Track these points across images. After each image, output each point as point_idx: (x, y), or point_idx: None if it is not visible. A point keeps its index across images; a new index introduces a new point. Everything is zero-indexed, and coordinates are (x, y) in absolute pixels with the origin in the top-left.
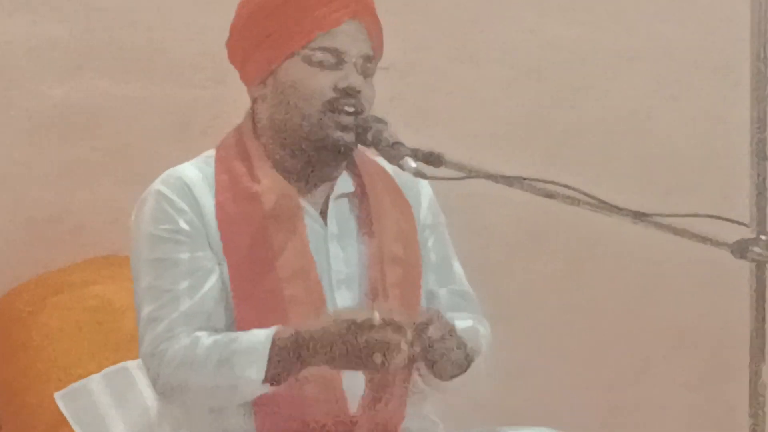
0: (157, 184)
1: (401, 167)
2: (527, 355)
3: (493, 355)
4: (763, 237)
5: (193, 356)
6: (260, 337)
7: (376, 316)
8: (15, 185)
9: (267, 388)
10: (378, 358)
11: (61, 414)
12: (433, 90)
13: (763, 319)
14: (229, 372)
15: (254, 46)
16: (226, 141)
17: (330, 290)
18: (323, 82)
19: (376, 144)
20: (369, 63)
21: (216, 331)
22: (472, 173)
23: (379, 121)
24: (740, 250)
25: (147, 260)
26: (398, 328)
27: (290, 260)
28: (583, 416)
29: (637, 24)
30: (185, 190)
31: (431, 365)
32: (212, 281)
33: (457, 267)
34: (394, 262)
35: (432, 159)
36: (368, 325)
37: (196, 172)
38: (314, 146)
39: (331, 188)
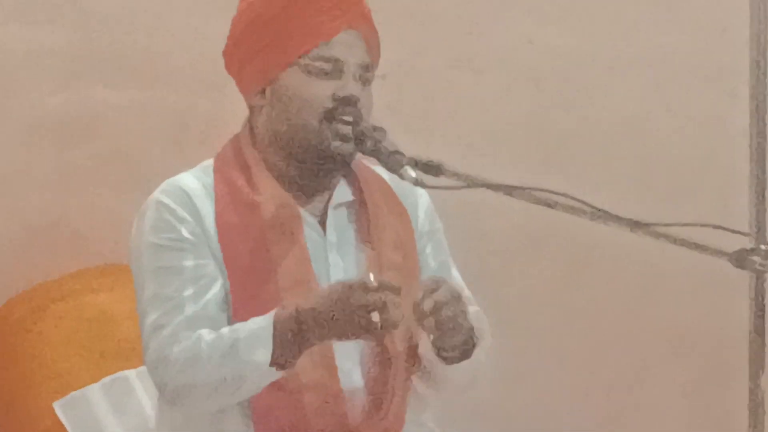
0: (157, 194)
1: (401, 176)
2: (526, 360)
3: (493, 358)
4: (762, 247)
5: (198, 352)
6: (261, 321)
7: (371, 278)
8: (12, 192)
9: (274, 374)
10: (375, 316)
11: (60, 423)
12: (430, 97)
13: (762, 328)
14: (235, 360)
15: (252, 55)
16: (224, 150)
17: None
18: (322, 92)
19: (375, 153)
20: (367, 71)
21: None
22: (471, 182)
23: (378, 129)
24: (740, 259)
25: (150, 269)
26: (394, 288)
27: (290, 269)
28: (581, 421)
29: (634, 31)
30: (186, 199)
31: (437, 337)
32: (216, 288)
33: (455, 273)
34: (393, 270)
35: (431, 168)
36: (363, 287)
37: (196, 182)
38: (313, 156)
39: (330, 197)
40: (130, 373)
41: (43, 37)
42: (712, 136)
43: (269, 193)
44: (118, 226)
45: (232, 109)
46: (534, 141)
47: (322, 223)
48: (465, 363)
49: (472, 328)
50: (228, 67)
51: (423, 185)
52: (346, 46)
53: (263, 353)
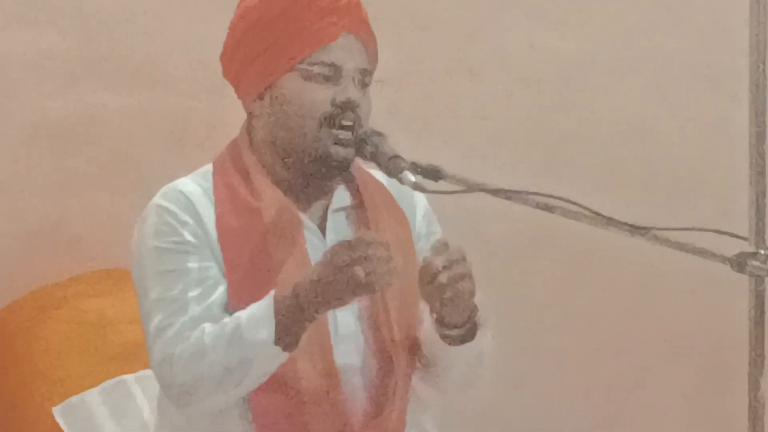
0: (158, 199)
1: (400, 181)
2: (526, 361)
3: (493, 359)
4: (762, 251)
5: (202, 345)
6: (261, 303)
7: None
8: (12, 195)
9: (279, 354)
10: (359, 270)
11: (59, 428)
12: (430, 102)
13: (762, 330)
14: (240, 344)
15: (250, 61)
16: (223, 155)
17: None
18: (321, 96)
19: (374, 157)
20: (365, 76)
21: None
22: (471, 187)
23: (378, 134)
24: (739, 264)
25: (154, 273)
26: (379, 242)
27: (291, 274)
28: (581, 422)
29: (634, 36)
30: (187, 203)
31: (447, 301)
32: (220, 291)
33: None
34: None
35: (431, 172)
36: (347, 245)
37: (196, 187)
38: (312, 160)
39: (329, 201)
40: (129, 378)
41: (43, 41)
42: (712, 140)
43: (269, 198)
44: (118, 230)
45: (232, 113)
46: (534, 144)
47: (322, 228)
48: (468, 347)
49: (476, 307)
50: (225, 72)
51: (422, 189)
52: (344, 51)
53: (267, 331)
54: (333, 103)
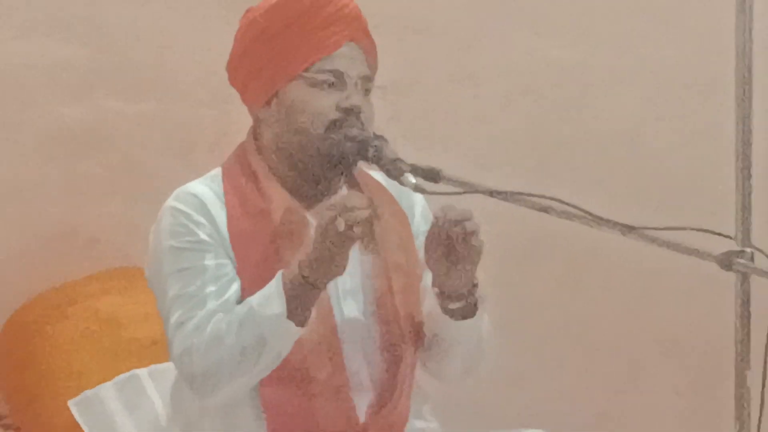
0: (172, 202)
1: (401, 183)
2: (524, 360)
3: (492, 356)
4: (747, 250)
5: (218, 332)
6: (270, 283)
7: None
8: (30, 201)
9: (293, 330)
10: (339, 221)
11: (75, 420)
12: (432, 109)
13: (748, 327)
14: (254, 321)
15: (257, 70)
16: (231, 159)
17: (337, 301)
18: (327, 103)
19: (377, 160)
20: (367, 82)
21: None
22: (469, 189)
23: (380, 138)
24: (726, 262)
25: (172, 272)
26: (358, 196)
27: None
28: (577, 420)
29: (628, 46)
30: (200, 204)
31: (458, 260)
32: (235, 288)
33: None
34: (398, 270)
35: (431, 174)
36: (330, 205)
37: (207, 189)
38: (318, 163)
39: None
40: (142, 372)
41: (58, 53)
42: (701, 145)
43: (277, 200)
44: (130, 232)
45: (239, 120)
46: (532, 151)
47: None
48: (469, 323)
49: (476, 284)
50: (232, 80)
51: (423, 191)
52: (347, 59)
53: (278, 305)
54: (338, 109)
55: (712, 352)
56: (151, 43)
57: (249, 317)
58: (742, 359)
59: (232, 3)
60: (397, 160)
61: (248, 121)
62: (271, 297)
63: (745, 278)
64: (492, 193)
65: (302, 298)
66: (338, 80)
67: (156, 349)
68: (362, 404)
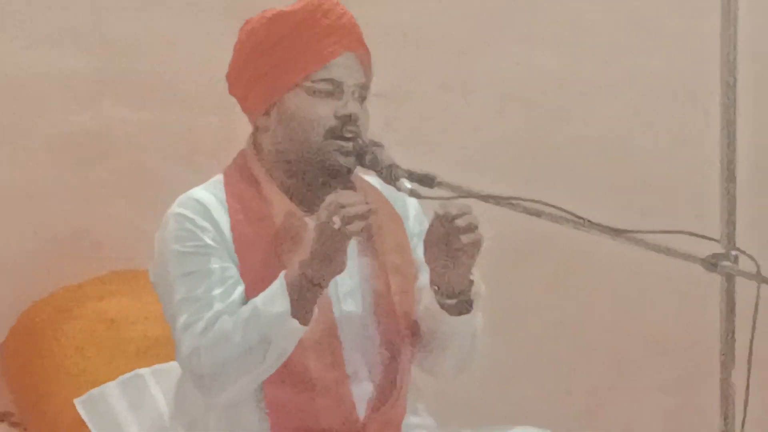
0: (176, 208)
1: (397, 188)
2: (514, 360)
3: (485, 346)
4: (732, 252)
5: (224, 331)
6: (274, 283)
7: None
8: (39, 205)
9: (296, 328)
10: (336, 219)
11: (81, 418)
12: (426, 116)
13: (733, 327)
14: (258, 320)
15: (257, 79)
16: (232, 166)
17: (337, 302)
18: (325, 111)
19: (373, 166)
20: (363, 90)
21: None
22: (463, 193)
23: (377, 144)
24: (711, 264)
25: (178, 276)
26: (352, 194)
27: None
28: (566, 416)
29: (615, 56)
30: (203, 210)
31: (458, 253)
32: (239, 290)
33: None
34: (396, 271)
35: (426, 180)
36: (326, 204)
37: (210, 195)
38: (317, 170)
39: None
40: (145, 371)
41: (67, 63)
42: (686, 153)
43: (278, 205)
44: (135, 236)
45: (241, 127)
46: (522, 157)
47: None
48: (465, 319)
49: (473, 281)
50: (232, 89)
51: (418, 196)
52: (344, 68)
53: (282, 303)
54: (336, 117)
55: (698, 351)
56: (156, 54)
57: (254, 317)
58: (727, 357)
59: (233, 14)
60: (393, 165)
61: (249, 128)
62: (275, 296)
63: (729, 279)
64: (485, 198)
65: (305, 297)
66: (336, 89)
67: (159, 349)
68: (362, 401)
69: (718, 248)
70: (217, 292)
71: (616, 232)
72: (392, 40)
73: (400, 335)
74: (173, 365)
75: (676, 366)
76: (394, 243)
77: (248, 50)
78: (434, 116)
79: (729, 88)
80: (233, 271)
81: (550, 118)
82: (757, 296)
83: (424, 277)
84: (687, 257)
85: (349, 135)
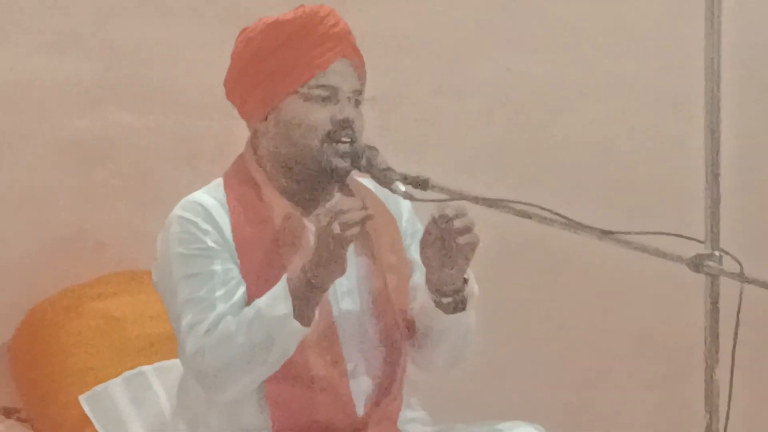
0: (178, 211)
1: (392, 190)
2: (504, 357)
3: (475, 350)
4: (716, 252)
5: (227, 332)
6: (277, 285)
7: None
8: (44, 207)
9: (299, 329)
10: (335, 226)
11: (85, 414)
12: (419, 120)
13: (717, 325)
14: (262, 322)
15: (254, 86)
16: (232, 170)
17: (335, 301)
18: (322, 116)
19: (369, 169)
20: (358, 95)
21: None
22: (455, 196)
23: (372, 148)
24: (696, 264)
25: (181, 277)
26: (350, 200)
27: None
28: (555, 411)
29: (601, 62)
30: (205, 213)
31: (455, 252)
32: (242, 291)
33: None
34: (392, 270)
35: (419, 183)
36: (326, 210)
37: (211, 199)
38: (314, 173)
39: None
40: (148, 369)
41: (71, 68)
42: (671, 156)
43: (278, 207)
44: (137, 237)
45: (240, 132)
46: (512, 160)
47: None
48: (459, 317)
49: (467, 280)
50: (230, 96)
51: (412, 198)
52: (340, 75)
53: (284, 306)
54: (332, 121)
55: (683, 348)
56: (159, 59)
57: (257, 319)
58: (711, 355)
59: (233, 22)
60: (388, 169)
61: (248, 133)
62: (278, 299)
63: (714, 279)
64: (477, 200)
65: (307, 299)
66: (332, 94)
67: (161, 347)
68: (361, 397)
69: (702, 249)
70: (220, 293)
71: (604, 234)
72: (387, 47)
73: (397, 332)
74: (175, 362)
75: (661, 363)
76: (390, 243)
77: (246, 58)
78: (427, 120)
79: (713, 92)
80: (235, 273)
81: (539, 122)
82: (740, 295)
83: (418, 276)
84: (672, 258)
85: (346, 139)
